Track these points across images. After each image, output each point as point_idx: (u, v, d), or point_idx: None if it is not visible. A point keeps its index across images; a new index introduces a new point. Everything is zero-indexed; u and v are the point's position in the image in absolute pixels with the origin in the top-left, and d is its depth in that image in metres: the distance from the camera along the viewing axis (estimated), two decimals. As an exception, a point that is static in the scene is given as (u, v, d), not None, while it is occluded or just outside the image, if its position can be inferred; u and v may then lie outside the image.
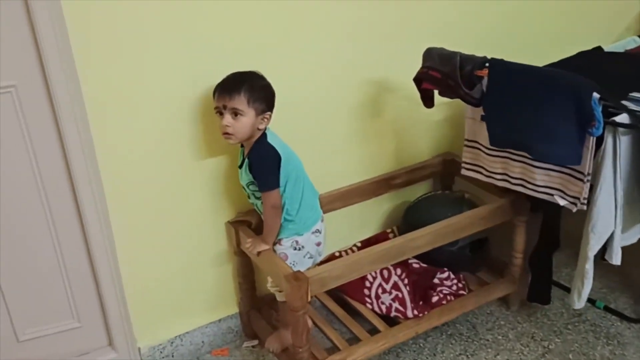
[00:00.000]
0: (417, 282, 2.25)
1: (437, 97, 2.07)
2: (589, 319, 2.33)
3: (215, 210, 2.08)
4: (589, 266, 1.97)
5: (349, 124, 2.25)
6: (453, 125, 2.46)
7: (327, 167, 2.24)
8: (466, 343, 2.24)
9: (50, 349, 2.01)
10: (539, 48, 2.49)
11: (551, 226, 2.15)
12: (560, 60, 2.32)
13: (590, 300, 2.08)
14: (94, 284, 1.97)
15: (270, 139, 1.85)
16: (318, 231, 1.97)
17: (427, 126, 2.43)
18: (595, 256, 1.97)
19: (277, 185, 1.84)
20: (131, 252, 1.98)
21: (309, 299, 1.82)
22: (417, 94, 2.07)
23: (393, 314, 2.18)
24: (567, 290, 2.40)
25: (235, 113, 1.77)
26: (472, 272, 2.38)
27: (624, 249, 1.98)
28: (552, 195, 1.93)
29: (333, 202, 2.24)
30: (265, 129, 1.86)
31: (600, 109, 1.72)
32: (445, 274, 2.29)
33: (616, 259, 1.96)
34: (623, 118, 1.81)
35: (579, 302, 2.04)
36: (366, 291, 2.24)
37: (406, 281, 2.24)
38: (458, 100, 1.97)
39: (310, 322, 2.06)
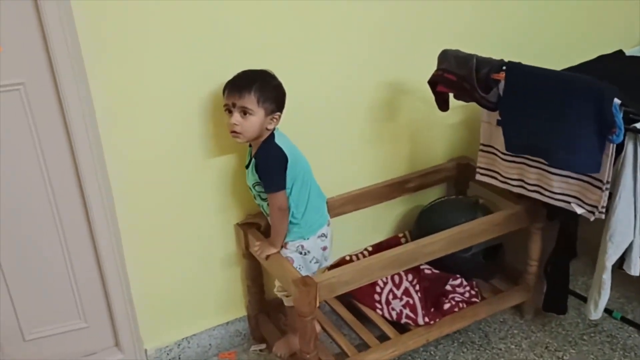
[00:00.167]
0: (429, 288, 2.21)
1: (452, 100, 2.03)
2: (606, 330, 2.27)
3: (224, 211, 2.05)
4: (607, 276, 1.92)
5: (363, 126, 2.22)
6: (468, 128, 2.42)
7: (340, 170, 2.22)
8: (478, 352, 2.20)
9: (57, 349, 2.00)
10: (557, 51, 2.44)
11: (568, 234, 2.10)
12: (580, 64, 2.27)
13: (607, 311, 2.03)
14: (101, 284, 1.96)
15: (278, 140, 1.82)
16: (324, 235, 1.94)
17: (441, 129, 2.39)
18: (613, 265, 1.92)
19: (284, 187, 1.82)
20: (139, 253, 1.97)
21: (318, 304, 1.78)
22: (432, 97, 2.03)
23: (404, 320, 2.15)
24: (584, 299, 2.35)
25: (245, 112, 1.74)
26: (485, 279, 2.34)
27: (642, 259, 1.92)
28: (569, 203, 1.89)
29: (345, 205, 2.21)
30: (274, 129, 1.82)
31: (621, 115, 1.67)
32: (458, 281, 2.25)
33: (635, 269, 1.90)
34: (645, 125, 1.76)
35: (596, 313, 1.99)
36: (376, 296, 2.21)
37: (418, 287, 2.20)
38: (474, 104, 1.93)
39: (318, 327, 2.04)
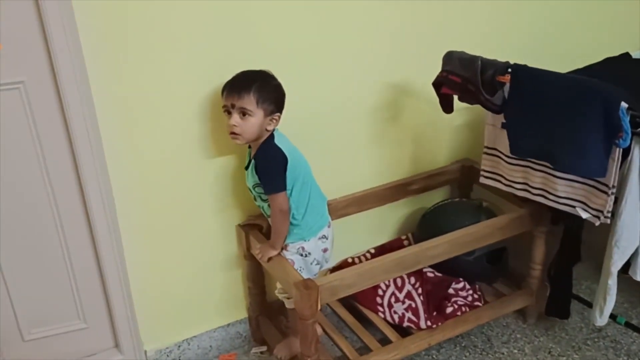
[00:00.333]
0: (432, 291, 2.19)
1: (457, 102, 2.01)
2: (609, 335, 2.25)
3: (225, 212, 2.04)
4: (612, 282, 1.90)
5: (366, 128, 2.20)
6: (472, 130, 2.40)
7: (344, 171, 2.21)
8: (480, 356, 2.18)
9: (56, 350, 1.99)
10: (563, 53, 2.42)
11: (572, 238, 2.07)
12: (586, 66, 2.25)
13: (611, 316, 2.00)
14: (101, 285, 1.95)
15: (277, 141, 1.80)
16: (325, 237, 1.93)
17: (445, 131, 2.37)
18: (618, 271, 1.90)
19: (284, 189, 1.80)
20: (139, 254, 1.95)
21: (319, 307, 1.77)
22: (436, 99, 2.01)
23: (406, 324, 2.13)
24: (587, 304, 2.33)
25: (244, 113, 1.73)
26: (488, 282, 2.33)
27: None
28: (574, 207, 1.87)
29: (348, 206, 2.19)
30: (274, 130, 1.81)
31: (628, 119, 1.64)
32: (461, 284, 2.23)
33: (640, 275, 1.89)
34: (652, 129, 1.74)
35: (601, 319, 1.97)
36: (378, 299, 2.19)
37: (420, 290, 2.18)
38: (478, 106, 1.91)
39: (319, 330, 2.02)
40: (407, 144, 2.32)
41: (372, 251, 2.35)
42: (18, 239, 1.80)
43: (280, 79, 1.82)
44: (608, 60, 2.31)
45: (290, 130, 1.88)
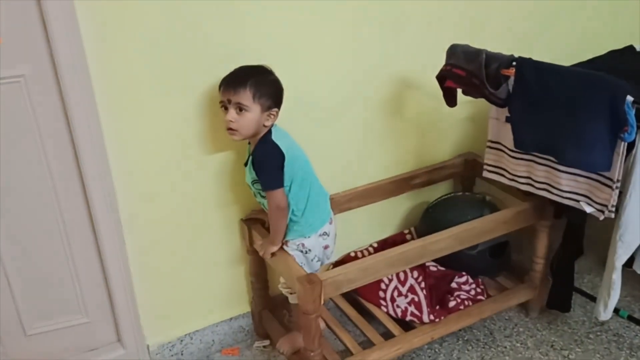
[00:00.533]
0: (435, 285, 2.19)
1: (460, 96, 2.00)
2: (612, 329, 2.25)
3: (228, 206, 2.03)
4: (617, 276, 1.89)
5: (369, 122, 2.19)
6: (476, 124, 2.39)
7: (346, 165, 2.20)
8: (483, 350, 2.18)
9: (58, 344, 1.98)
10: (567, 46, 2.41)
11: (575, 232, 2.07)
12: (590, 59, 2.24)
13: (613, 310, 2.00)
14: (103, 279, 1.94)
15: (275, 137, 1.78)
16: (326, 234, 1.91)
17: (448, 125, 2.36)
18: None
19: (281, 185, 1.78)
20: (141, 248, 1.94)
21: (323, 302, 1.76)
22: (440, 92, 2.00)
23: (408, 318, 2.13)
24: (589, 297, 2.33)
25: (240, 108, 1.71)
26: (491, 276, 2.32)
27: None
28: (578, 201, 1.86)
29: (350, 201, 2.18)
30: (272, 126, 1.79)
31: (633, 112, 1.64)
32: (464, 278, 2.23)
33: (644, 269, 1.89)
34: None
35: (605, 314, 1.97)
36: (381, 293, 2.18)
37: (423, 284, 2.18)
38: (481, 99, 1.90)
39: (322, 324, 2.02)
40: (410, 138, 2.31)
41: (375, 245, 2.34)
42: (19, 233, 1.79)
43: (281, 73, 1.80)
44: (612, 53, 2.30)
45: (292, 125, 1.87)
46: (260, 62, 1.79)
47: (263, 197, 1.85)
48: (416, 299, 2.14)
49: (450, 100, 2.01)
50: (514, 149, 1.94)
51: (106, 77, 1.70)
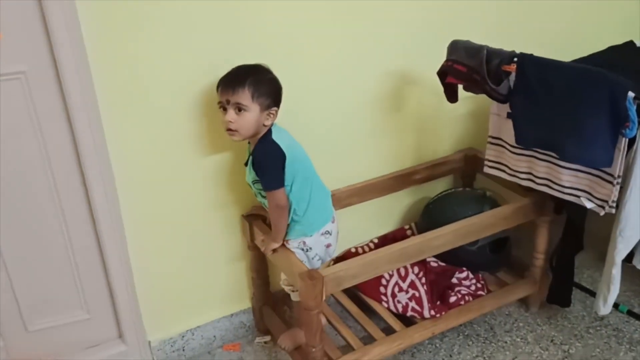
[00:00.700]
0: (435, 281, 2.20)
1: (461, 92, 2.00)
2: (612, 323, 2.26)
3: (229, 202, 2.03)
4: (616, 271, 1.90)
5: (369, 117, 2.19)
6: (476, 119, 2.39)
7: (346, 162, 2.19)
8: (483, 345, 2.19)
9: (59, 340, 1.99)
10: (567, 42, 2.40)
11: (575, 228, 2.07)
12: (590, 55, 2.24)
13: (613, 304, 2.01)
14: (104, 275, 1.94)
15: (275, 136, 1.77)
16: (328, 232, 1.90)
17: (449, 120, 2.36)
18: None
19: (281, 185, 1.77)
20: (142, 244, 1.95)
21: (324, 298, 1.76)
22: (440, 88, 2.00)
23: (409, 313, 2.13)
24: (589, 292, 2.34)
25: (239, 108, 1.69)
26: (491, 272, 2.33)
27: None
28: (578, 197, 1.86)
29: (351, 197, 2.19)
30: (272, 125, 1.78)
31: (634, 108, 1.64)
32: (464, 274, 2.23)
33: (644, 264, 1.89)
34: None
35: (605, 308, 1.97)
36: (382, 289, 2.19)
37: (424, 280, 2.18)
38: (482, 95, 1.90)
39: (324, 320, 2.02)
40: (411, 134, 2.31)
41: (375, 241, 2.34)
42: (20, 230, 1.79)
43: (280, 71, 1.79)
44: (612, 49, 2.30)
45: (293, 122, 1.87)
46: (260, 60, 1.78)
47: (264, 197, 1.84)
48: (417, 295, 2.15)
49: (451, 96, 2.01)
50: (515, 145, 1.94)
51: (107, 75, 1.69)
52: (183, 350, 2.14)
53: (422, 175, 2.33)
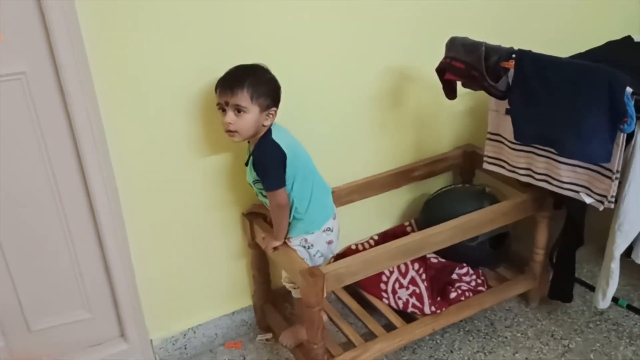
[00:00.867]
0: (435, 277, 2.20)
1: (460, 88, 2.00)
2: (611, 318, 2.27)
3: (230, 201, 2.04)
4: (615, 265, 1.91)
5: (368, 115, 2.19)
6: (475, 116, 2.40)
7: (346, 159, 2.20)
8: (484, 340, 2.20)
9: (62, 339, 1.99)
10: (565, 37, 2.41)
11: (575, 223, 2.08)
12: (588, 50, 2.24)
13: (613, 299, 2.02)
14: (106, 275, 1.95)
15: (275, 136, 1.77)
16: (329, 229, 1.91)
17: (448, 117, 2.37)
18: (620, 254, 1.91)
19: (283, 185, 1.78)
20: (143, 243, 1.95)
21: (325, 295, 1.77)
22: (439, 84, 2.00)
23: (410, 309, 2.14)
24: (589, 287, 2.35)
25: (239, 110, 1.69)
26: (491, 267, 2.34)
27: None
28: (577, 192, 1.87)
29: (351, 194, 2.19)
30: (271, 125, 1.78)
31: (632, 103, 1.64)
32: (464, 270, 2.24)
33: (643, 258, 1.90)
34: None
35: (604, 302, 1.98)
36: (382, 285, 2.20)
37: (424, 276, 2.19)
38: (480, 91, 1.90)
39: (325, 317, 2.02)
40: (410, 131, 2.31)
41: (376, 238, 2.35)
42: (21, 230, 1.79)
43: (279, 70, 1.79)
44: (610, 44, 2.31)
45: (292, 120, 1.87)
46: (259, 60, 1.79)
47: (265, 196, 1.84)
48: (417, 291, 2.16)
49: (450, 93, 2.02)
50: (514, 141, 1.95)
51: (107, 75, 1.70)
52: (185, 348, 2.15)
53: (421, 172, 2.34)
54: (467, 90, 1.98)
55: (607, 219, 1.90)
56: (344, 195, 2.16)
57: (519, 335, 2.22)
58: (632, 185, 1.80)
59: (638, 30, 2.57)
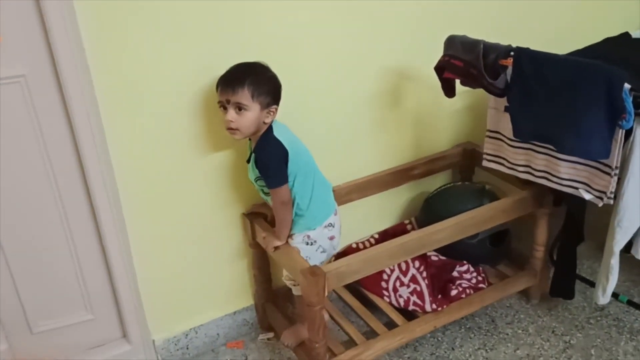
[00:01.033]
0: (436, 275, 2.21)
1: (459, 86, 2.01)
2: (612, 314, 2.28)
3: (231, 200, 2.04)
4: (615, 261, 1.91)
5: (367, 114, 2.20)
6: (474, 114, 2.40)
7: (345, 158, 2.20)
8: (485, 337, 2.20)
9: (64, 341, 1.99)
10: (563, 34, 2.42)
11: (575, 219, 2.08)
12: (586, 47, 2.25)
13: (613, 294, 2.03)
14: (107, 276, 1.95)
15: (276, 133, 1.78)
16: (331, 225, 1.92)
17: (447, 115, 2.37)
18: (620, 250, 1.91)
19: (285, 181, 1.79)
20: (144, 244, 1.95)
21: (326, 294, 1.78)
22: (438, 83, 2.01)
23: (411, 307, 2.14)
24: (589, 283, 2.35)
25: (240, 108, 1.70)
26: (492, 265, 2.34)
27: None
28: (577, 189, 1.88)
29: (351, 193, 2.20)
30: (272, 122, 1.79)
31: (631, 100, 1.65)
32: (465, 267, 2.24)
33: (643, 254, 1.90)
34: (654, 109, 1.74)
35: (604, 298, 1.99)
36: (383, 284, 2.20)
37: (425, 274, 2.19)
38: (479, 89, 1.90)
39: (327, 316, 2.03)
40: (409, 129, 2.32)
41: (376, 236, 2.36)
42: (23, 232, 1.80)
43: (279, 69, 1.80)
44: (608, 41, 2.31)
45: (292, 119, 1.87)
46: (259, 59, 1.79)
47: (266, 193, 1.85)
48: (418, 289, 2.16)
49: (449, 91, 2.02)
50: (513, 138, 1.95)
51: (107, 76, 1.70)
52: (187, 348, 2.15)
53: (421, 170, 2.34)
54: (466, 88, 1.99)
55: (607, 215, 1.91)
56: (344, 195, 2.17)
57: (520, 331, 2.22)
58: (631, 181, 1.81)
59: (636, 26, 2.57)
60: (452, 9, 2.19)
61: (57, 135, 1.72)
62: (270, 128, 1.79)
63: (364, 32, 2.06)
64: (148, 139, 1.83)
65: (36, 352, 1.96)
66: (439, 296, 2.16)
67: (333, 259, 2.10)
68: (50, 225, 1.82)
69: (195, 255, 2.06)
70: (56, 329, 1.96)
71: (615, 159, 1.74)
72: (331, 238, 1.93)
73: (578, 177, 1.86)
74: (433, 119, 2.35)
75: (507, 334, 2.21)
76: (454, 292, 2.16)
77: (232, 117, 1.71)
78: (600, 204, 1.83)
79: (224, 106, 1.73)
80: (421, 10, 2.13)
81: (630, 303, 2.27)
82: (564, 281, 2.18)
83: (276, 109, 1.78)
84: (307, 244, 1.89)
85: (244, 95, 1.69)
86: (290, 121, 1.87)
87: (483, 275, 2.27)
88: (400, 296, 2.17)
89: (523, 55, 1.78)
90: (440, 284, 2.19)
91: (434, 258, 2.25)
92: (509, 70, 1.82)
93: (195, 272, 2.08)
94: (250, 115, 1.71)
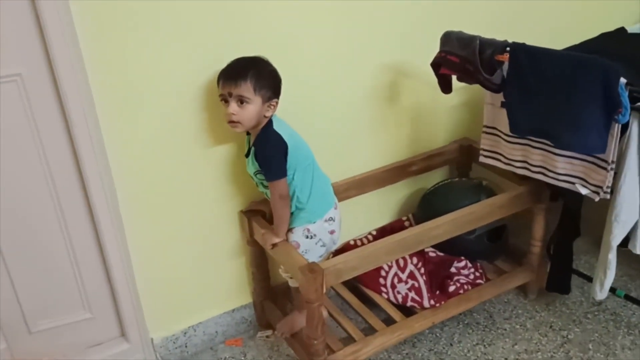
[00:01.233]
0: (434, 271, 2.21)
1: (455, 82, 2.01)
2: (609, 308, 2.28)
3: (228, 199, 2.04)
4: (612, 256, 1.92)
5: (364, 110, 2.20)
6: (471, 110, 2.41)
7: (343, 155, 2.20)
8: (483, 332, 2.21)
9: (62, 340, 1.99)
10: (559, 30, 2.42)
11: (572, 214, 2.09)
12: (582, 42, 2.25)
13: (610, 289, 2.03)
14: (105, 275, 1.95)
15: (276, 127, 1.79)
16: (331, 219, 1.93)
17: (444, 111, 2.37)
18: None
19: (284, 175, 1.80)
20: (142, 242, 1.95)
21: (325, 291, 1.78)
22: (434, 79, 2.01)
23: (409, 303, 2.15)
24: (587, 278, 2.36)
25: (241, 101, 1.71)
26: (489, 260, 2.34)
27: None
28: (573, 183, 1.88)
29: (348, 190, 2.20)
30: (272, 116, 1.80)
31: (627, 94, 1.65)
32: (463, 263, 2.25)
33: (640, 248, 1.91)
34: (650, 103, 1.75)
35: (601, 293, 1.99)
36: (382, 280, 2.21)
37: (422, 270, 2.20)
38: (476, 85, 1.91)
39: (325, 313, 2.03)
40: (406, 125, 2.32)
41: (374, 233, 2.36)
42: (20, 232, 1.79)
43: (277, 64, 1.80)
44: (604, 36, 2.32)
45: (290, 116, 1.87)
46: (257, 53, 1.79)
47: (265, 187, 1.86)
48: (416, 285, 2.16)
49: (445, 87, 2.02)
50: (510, 134, 1.95)
51: (104, 73, 1.70)
52: (185, 346, 2.15)
53: (418, 166, 2.34)
54: (463, 84, 1.99)
55: (604, 209, 1.91)
56: (342, 191, 2.17)
57: (517, 327, 2.23)
58: (627, 176, 1.81)
59: (631, 21, 2.57)
60: (449, 6, 2.18)
61: (54, 134, 1.72)
62: (270, 122, 1.80)
63: (361, 29, 2.06)
64: (145, 137, 1.83)
65: (35, 351, 1.96)
66: (437, 292, 2.17)
67: (331, 255, 2.10)
68: (47, 224, 1.82)
69: (194, 254, 2.06)
70: (55, 328, 1.96)
71: (611, 154, 1.75)
72: (331, 232, 1.94)
73: (574, 172, 1.87)
74: (430, 115, 2.35)
75: (505, 329, 2.22)
76: (452, 288, 2.16)
77: (234, 110, 1.72)
78: (597, 199, 1.83)
79: (225, 99, 1.74)
80: (419, 7, 2.13)
81: (627, 297, 2.29)
82: (560, 276, 2.19)
83: (277, 103, 1.79)
84: (307, 237, 1.89)
85: (247, 88, 1.70)
86: (288, 118, 1.87)
87: (481, 271, 2.27)
88: (399, 292, 2.17)
89: (519, 51, 1.79)
90: (438, 280, 2.20)
91: (432, 254, 2.26)
92: (505, 66, 1.82)
93: (194, 270, 2.08)
94: (252, 109, 1.72)
